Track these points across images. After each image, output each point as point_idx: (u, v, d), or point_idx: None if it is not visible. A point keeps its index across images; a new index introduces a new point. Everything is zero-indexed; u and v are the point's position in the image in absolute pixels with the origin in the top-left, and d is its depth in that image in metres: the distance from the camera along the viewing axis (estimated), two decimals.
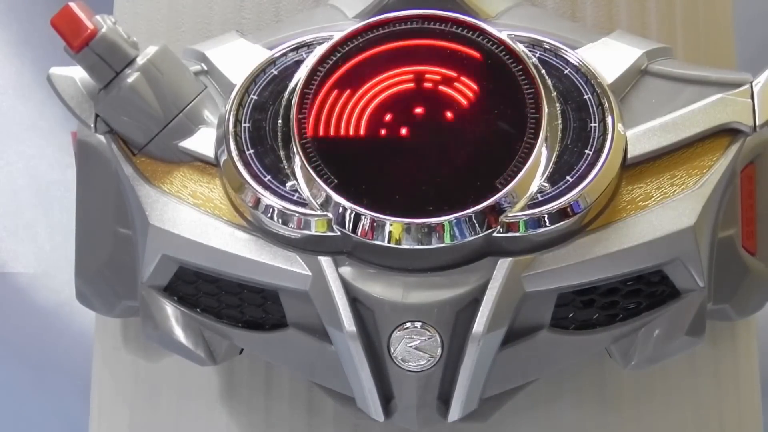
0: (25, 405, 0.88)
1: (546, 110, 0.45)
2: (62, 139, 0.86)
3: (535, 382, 0.48)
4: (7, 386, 0.88)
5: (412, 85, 0.46)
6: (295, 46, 0.48)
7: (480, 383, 0.45)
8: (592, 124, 0.46)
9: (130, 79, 0.46)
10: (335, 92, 0.46)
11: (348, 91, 0.46)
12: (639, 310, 0.46)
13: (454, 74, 0.46)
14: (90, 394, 0.58)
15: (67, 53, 0.46)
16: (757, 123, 0.46)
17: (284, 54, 0.48)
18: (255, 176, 0.45)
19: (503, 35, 0.46)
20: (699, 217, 0.45)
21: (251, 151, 0.46)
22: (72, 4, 0.46)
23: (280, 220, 0.45)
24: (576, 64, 0.47)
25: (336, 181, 0.44)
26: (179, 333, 0.47)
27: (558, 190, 0.44)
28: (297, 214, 0.45)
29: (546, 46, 0.47)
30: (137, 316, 0.48)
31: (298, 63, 0.48)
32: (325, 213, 0.44)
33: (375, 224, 0.44)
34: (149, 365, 0.54)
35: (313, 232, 0.45)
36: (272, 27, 0.51)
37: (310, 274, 0.45)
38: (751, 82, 0.47)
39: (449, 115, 0.45)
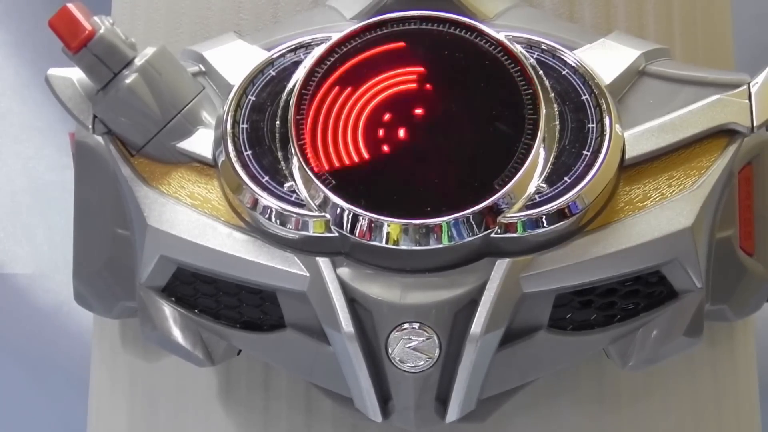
0: (23, 405, 0.88)
1: (544, 111, 0.45)
2: (60, 140, 0.86)
3: (533, 382, 0.48)
4: (5, 387, 0.88)
5: (410, 86, 0.46)
6: (293, 47, 0.48)
7: (478, 384, 0.45)
8: (590, 125, 0.46)
9: (128, 80, 0.46)
10: (334, 92, 0.46)
11: (346, 92, 0.46)
12: (637, 310, 0.46)
13: (452, 75, 0.46)
14: (88, 394, 0.58)
15: (65, 54, 0.46)
16: (755, 124, 0.46)
17: (282, 55, 0.48)
18: (253, 177, 0.46)
19: (501, 36, 0.46)
20: (697, 218, 0.45)
21: (249, 152, 0.46)
22: (70, 5, 0.46)
23: (277, 221, 0.45)
24: (574, 65, 0.47)
25: (334, 182, 0.44)
26: (177, 334, 0.47)
27: (556, 191, 0.44)
28: (295, 215, 0.45)
29: (544, 47, 0.47)
30: (135, 317, 0.48)
31: (296, 64, 0.48)
32: (322, 214, 0.44)
33: (373, 225, 0.44)
34: (147, 366, 0.54)
35: (310, 233, 0.45)
36: (270, 28, 0.51)
37: (307, 275, 0.45)
38: (749, 83, 0.47)
39: (447, 115, 0.45)
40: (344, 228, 0.44)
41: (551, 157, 0.45)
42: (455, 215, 0.43)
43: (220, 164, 0.47)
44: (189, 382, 0.53)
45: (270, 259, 0.45)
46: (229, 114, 0.47)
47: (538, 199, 0.44)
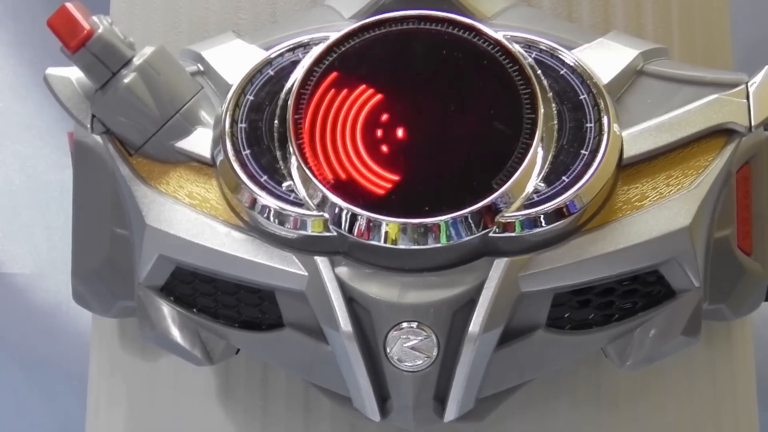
0: (22, 405, 0.88)
1: (542, 111, 0.45)
2: (59, 140, 0.86)
3: (531, 381, 0.48)
4: (4, 386, 0.88)
5: (407, 85, 0.46)
6: (291, 46, 0.48)
7: (476, 383, 0.45)
8: (588, 125, 0.46)
9: (126, 80, 0.46)
10: (332, 92, 0.46)
11: (345, 91, 0.46)
12: (635, 310, 0.46)
13: (450, 75, 0.46)
14: (87, 393, 0.58)
15: (64, 54, 0.46)
16: (753, 123, 0.46)
17: (281, 54, 0.48)
18: (251, 176, 0.46)
19: (499, 36, 0.46)
20: (695, 217, 0.45)
21: (247, 152, 0.46)
22: (68, 5, 0.46)
23: (276, 221, 0.45)
24: (572, 64, 0.47)
25: (332, 181, 0.44)
26: (176, 333, 0.47)
27: (554, 191, 0.45)
28: (293, 215, 0.45)
29: (542, 46, 0.47)
30: (134, 317, 0.48)
31: (294, 63, 0.48)
32: (321, 213, 0.44)
33: (371, 224, 0.44)
34: (146, 365, 0.54)
35: (309, 232, 0.45)
36: (269, 27, 0.51)
37: (306, 274, 0.45)
38: (747, 83, 0.47)
39: (446, 115, 0.45)
40: (343, 227, 0.44)
41: (549, 157, 0.45)
42: (453, 215, 0.44)
43: (218, 163, 0.47)
44: (187, 382, 0.53)
45: (268, 258, 0.45)
46: (228, 113, 0.47)
47: (536, 199, 0.44)
